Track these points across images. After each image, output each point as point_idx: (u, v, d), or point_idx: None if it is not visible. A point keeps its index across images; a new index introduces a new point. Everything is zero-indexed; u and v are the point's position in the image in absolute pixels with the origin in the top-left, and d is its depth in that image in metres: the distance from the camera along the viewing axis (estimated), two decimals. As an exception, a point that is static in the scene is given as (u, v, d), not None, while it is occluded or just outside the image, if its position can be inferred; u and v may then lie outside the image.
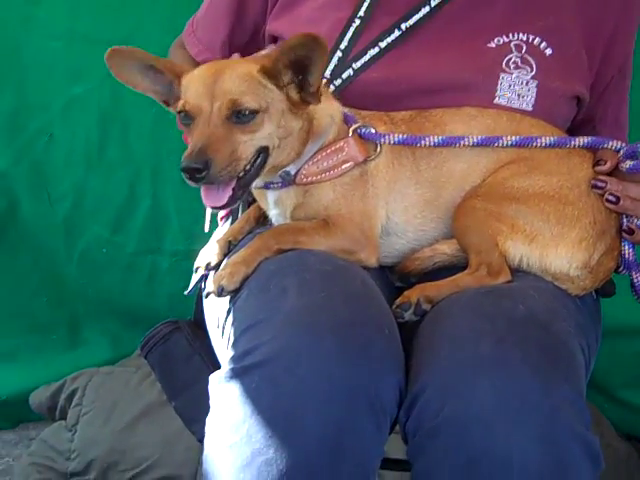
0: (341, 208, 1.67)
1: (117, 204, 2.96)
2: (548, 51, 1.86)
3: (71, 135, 2.94)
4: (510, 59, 1.83)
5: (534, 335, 1.41)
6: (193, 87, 1.59)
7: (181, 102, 1.60)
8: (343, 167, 1.68)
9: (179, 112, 1.61)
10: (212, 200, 1.56)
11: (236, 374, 1.37)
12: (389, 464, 1.75)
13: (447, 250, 1.70)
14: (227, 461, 1.32)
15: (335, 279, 1.49)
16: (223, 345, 1.58)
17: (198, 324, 1.91)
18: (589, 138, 1.72)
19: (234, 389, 1.35)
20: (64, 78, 2.89)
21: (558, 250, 1.62)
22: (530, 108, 1.82)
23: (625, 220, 1.67)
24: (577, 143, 1.72)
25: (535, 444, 1.28)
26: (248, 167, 1.57)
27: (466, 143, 1.70)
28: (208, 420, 1.40)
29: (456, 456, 1.31)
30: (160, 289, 3.01)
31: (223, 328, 1.61)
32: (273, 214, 1.77)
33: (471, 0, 1.87)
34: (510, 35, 1.85)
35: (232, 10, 1.98)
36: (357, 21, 1.85)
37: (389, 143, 1.70)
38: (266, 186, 1.72)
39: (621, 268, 1.71)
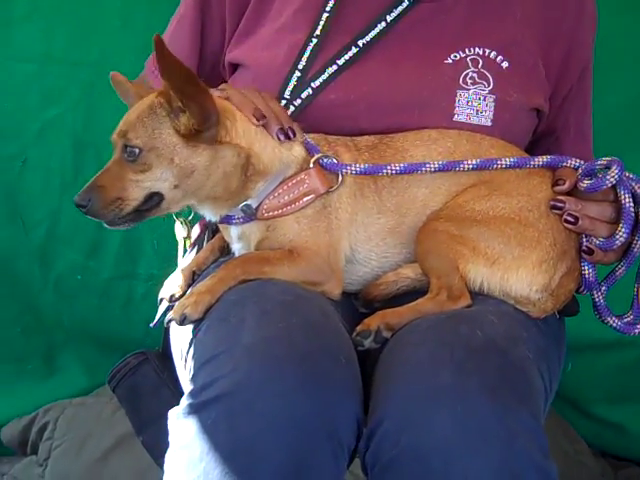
0: (307, 240, 1.65)
1: (91, 229, 2.94)
2: (504, 64, 1.85)
3: (45, 160, 2.94)
4: (467, 74, 1.83)
5: (492, 362, 1.40)
6: None
7: None
8: (305, 199, 1.66)
9: None
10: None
11: (194, 409, 1.36)
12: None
13: (411, 274, 1.69)
14: None
15: (294, 309, 1.48)
16: (186, 378, 1.57)
17: (166, 355, 1.89)
18: (548, 157, 1.71)
19: (191, 425, 1.34)
20: (38, 102, 2.90)
21: (519, 273, 1.61)
22: (489, 123, 1.81)
23: (584, 240, 1.65)
24: (536, 163, 1.71)
25: (492, 474, 1.28)
26: (137, 206, 1.58)
27: (428, 169, 1.68)
28: (166, 458, 1.39)
29: None
30: (136, 315, 2.98)
31: (185, 360, 1.60)
32: (237, 248, 1.76)
33: (425, 15, 1.87)
34: (466, 50, 1.84)
35: (193, 46, 1.98)
36: (314, 40, 1.84)
37: (351, 174, 1.69)
38: (228, 221, 1.71)
39: (582, 288, 1.70)
